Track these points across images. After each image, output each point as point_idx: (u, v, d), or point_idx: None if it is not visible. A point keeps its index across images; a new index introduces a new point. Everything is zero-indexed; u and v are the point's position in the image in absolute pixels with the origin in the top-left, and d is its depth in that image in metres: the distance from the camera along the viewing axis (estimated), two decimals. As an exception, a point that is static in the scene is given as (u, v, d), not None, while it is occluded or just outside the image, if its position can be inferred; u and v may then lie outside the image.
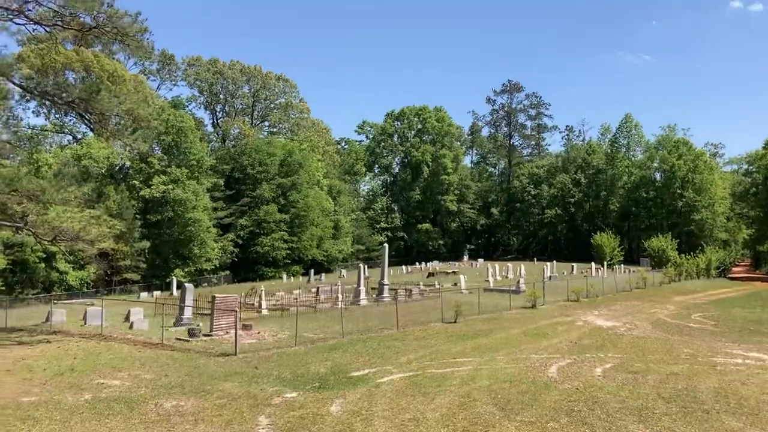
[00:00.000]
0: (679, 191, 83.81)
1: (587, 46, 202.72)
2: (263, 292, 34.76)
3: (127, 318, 25.84)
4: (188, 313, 24.47)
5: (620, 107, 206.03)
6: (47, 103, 66.10)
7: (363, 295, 33.97)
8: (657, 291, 47.06)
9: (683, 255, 64.77)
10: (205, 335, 21.51)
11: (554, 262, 68.94)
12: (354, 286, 37.31)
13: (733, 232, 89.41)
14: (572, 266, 65.15)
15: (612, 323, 26.78)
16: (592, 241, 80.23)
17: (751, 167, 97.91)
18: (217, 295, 23.05)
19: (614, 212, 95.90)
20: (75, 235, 20.79)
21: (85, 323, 25.05)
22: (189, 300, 24.52)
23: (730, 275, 73.92)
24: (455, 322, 26.19)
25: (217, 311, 21.62)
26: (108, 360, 17.41)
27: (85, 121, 65.61)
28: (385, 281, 36.00)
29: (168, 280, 57.37)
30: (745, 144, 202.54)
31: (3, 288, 46.96)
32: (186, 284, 25.73)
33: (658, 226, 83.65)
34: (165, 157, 62.00)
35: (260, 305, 31.52)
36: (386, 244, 38.09)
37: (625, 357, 18.21)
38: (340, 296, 33.85)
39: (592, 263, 64.38)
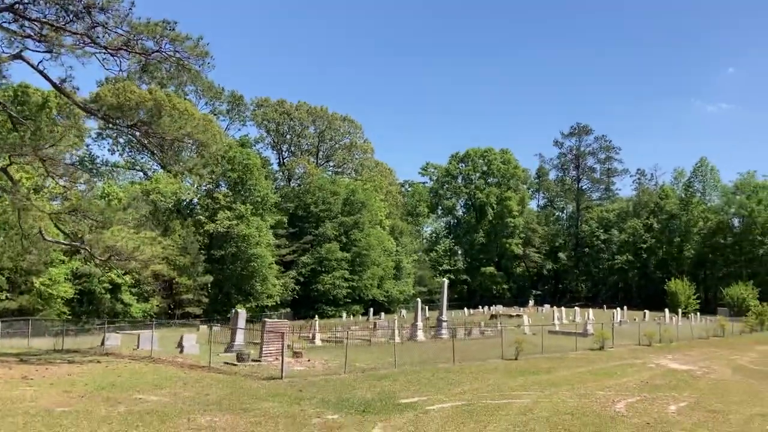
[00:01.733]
0: (759, 238, 79.27)
1: (661, 92, 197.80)
2: (317, 322, 34.14)
3: (179, 344, 25.63)
4: (240, 339, 24.05)
5: (694, 155, 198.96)
6: (121, 141, 69.32)
7: (420, 331, 32.86)
8: (736, 339, 43.87)
9: (765, 304, 60.63)
10: (254, 360, 20.94)
11: (625, 308, 65.94)
12: (412, 323, 36.26)
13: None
14: (644, 313, 61.95)
15: (687, 367, 24.75)
16: (665, 288, 76.50)
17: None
18: (267, 320, 22.56)
19: (689, 259, 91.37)
20: (129, 255, 20.84)
21: (137, 347, 24.98)
22: (241, 325, 24.11)
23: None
24: (516, 359, 24.76)
25: (266, 337, 21.09)
26: (152, 379, 17.01)
27: (156, 158, 67.87)
28: (444, 318, 34.82)
29: (229, 315, 57.62)
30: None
31: (70, 317, 48.13)
32: (239, 310, 25.39)
33: (736, 274, 79.09)
34: (230, 194, 63.12)
35: (314, 336, 30.87)
36: (446, 279, 37.04)
37: (701, 397, 16.52)
38: (396, 331, 32.85)
39: (666, 311, 61.04)
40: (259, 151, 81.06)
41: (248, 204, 63.02)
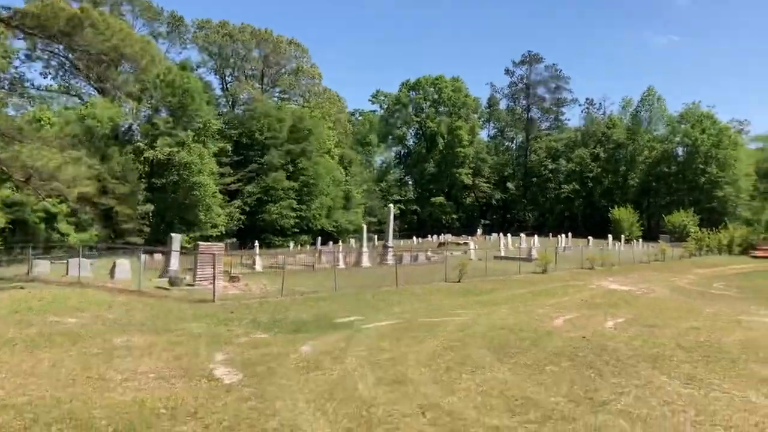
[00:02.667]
0: (701, 167, 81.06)
1: (613, 23, 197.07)
2: (257, 247, 33.32)
3: (112, 270, 24.54)
4: (174, 264, 23.10)
5: (643, 85, 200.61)
6: (53, 64, 65.41)
7: (365, 258, 32.39)
8: (676, 263, 45.16)
9: (705, 230, 62.55)
10: (188, 285, 20.13)
11: (570, 235, 67.14)
12: (357, 249, 35.81)
13: (757, 212, 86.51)
14: (588, 239, 63.10)
15: (627, 288, 25.08)
16: (609, 216, 78.14)
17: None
18: (201, 243, 21.65)
19: (633, 188, 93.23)
20: (50, 175, 19.39)
21: (66, 274, 23.80)
22: (175, 249, 23.11)
23: (753, 254, 71.53)
24: (459, 281, 24.59)
25: (200, 260, 20.21)
26: (74, 303, 16.03)
27: (91, 82, 64.43)
28: (390, 244, 34.42)
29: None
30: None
31: (2, 247, 46.07)
32: (173, 234, 24.33)
33: (679, 202, 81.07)
34: (171, 120, 60.51)
35: (255, 262, 30.09)
36: (391, 206, 36.40)
37: (639, 313, 16.57)
38: (340, 256, 32.32)
39: (610, 237, 62.36)
40: (201, 75, 77.59)
41: (189, 130, 60.56)
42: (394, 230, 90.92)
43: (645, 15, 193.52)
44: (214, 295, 16.81)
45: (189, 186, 60.06)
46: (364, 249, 32.95)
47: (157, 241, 60.80)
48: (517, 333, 12.46)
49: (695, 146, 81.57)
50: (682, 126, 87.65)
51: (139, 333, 11.72)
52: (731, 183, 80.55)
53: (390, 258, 33.25)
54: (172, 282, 19.86)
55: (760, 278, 35.77)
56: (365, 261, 32.01)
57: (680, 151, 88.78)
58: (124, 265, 24.05)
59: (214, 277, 16.93)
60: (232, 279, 21.36)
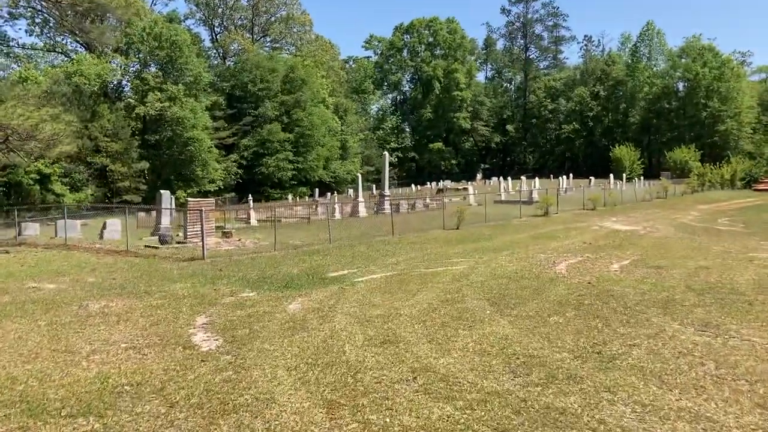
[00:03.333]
0: (703, 101, 79.41)
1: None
2: (251, 201, 32.59)
3: (102, 230, 23.90)
4: (165, 222, 22.45)
5: (642, 21, 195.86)
6: (38, 21, 63.42)
7: (362, 207, 31.73)
8: (679, 200, 44.51)
9: (707, 165, 61.60)
10: (179, 243, 19.50)
11: (571, 176, 66.31)
12: (353, 199, 35.08)
13: (759, 145, 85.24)
14: (590, 180, 62.33)
15: (631, 227, 24.44)
16: (611, 155, 77.07)
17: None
18: (191, 199, 20.92)
19: (634, 125, 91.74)
20: (28, 134, 18.53)
21: (55, 236, 23.17)
22: (165, 206, 22.39)
23: (755, 188, 70.76)
24: (458, 228, 23.96)
25: (190, 217, 19.52)
26: (57, 267, 15.44)
27: (78, 38, 62.61)
28: (386, 192, 33.64)
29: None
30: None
31: (-4, 210, 45.41)
32: (162, 191, 23.59)
33: (680, 138, 79.81)
34: (160, 74, 59.04)
35: (249, 217, 29.41)
36: (386, 153, 35.34)
37: (645, 254, 15.91)
38: (336, 207, 31.60)
39: (611, 176, 61.50)
40: (189, 27, 75.58)
41: (180, 84, 59.15)
42: (393, 178, 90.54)
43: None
44: (203, 252, 16.17)
45: (183, 141, 59.12)
46: (360, 199, 32.25)
47: (154, 199, 60.19)
48: (517, 281, 11.83)
49: (696, 80, 79.77)
50: (683, 60, 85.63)
51: (118, 297, 11.09)
52: (733, 116, 79.13)
53: (387, 207, 32.56)
54: (162, 240, 19.23)
55: (764, 212, 35.13)
56: (362, 211, 31.35)
57: (681, 86, 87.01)
58: (114, 224, 23.42)
59: (202, 233, 16.25)
60: (225, 234, 20.71)
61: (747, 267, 13.32)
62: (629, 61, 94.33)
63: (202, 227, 16.22)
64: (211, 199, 22.35)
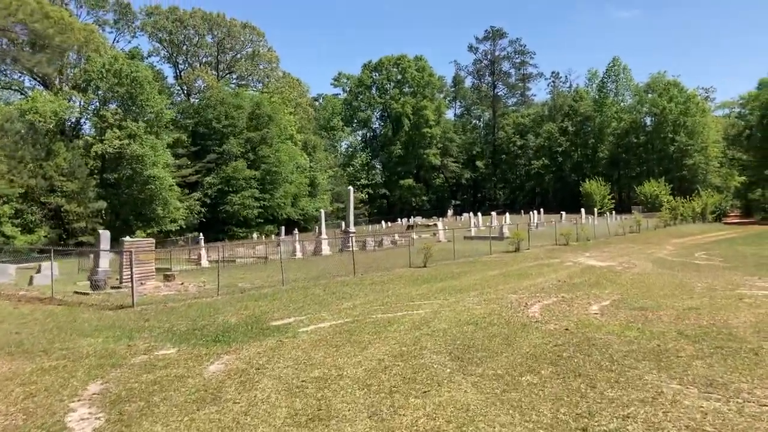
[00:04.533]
0: (670, 135, 79.95)
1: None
2: (202, 240, 30.68)
3: (35, 275, 21.87)
4: (104, 264, 20.43)
5: (607, 59, 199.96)
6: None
7: (325, 245, 29.99)
8: (652, 234, 43.69)
9: (678, 199, 61.32)
10: (113, 288, 17.60)
11: (542, 211, 65.57)
12: (316, 237, 33.38)
13: (726, 179, 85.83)
14: (561, 214, 61.48)
15: (606, 263, 23.14)
16: (581, 189, 76.73)
17: (744, 110, 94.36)
18: (126, 239, 19.09)
19: (603, 160, 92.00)
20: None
21: (-16, 281, 21.07)
22: (104, 247, 20.43)
23: (725, 221, 70.85)
24: (424, 266, 22.40)
25: (126, 260, 17.63)
26: (-38, 318, 13.45)
27: (35, 76, 60.68)
28: (351, 229, 32.00)
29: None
30: (737, 88, 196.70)
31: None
32: (101, 231, 21.68)
33: (649, 173, 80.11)
34: (120, 111, 57.20)
35: (200, 257, 27.46)
36: (351, 188, 33.72)
37: (626, 293, 14.50)
38: (297, 245, 29.83)
39: (582, 211, 60.78)
40: (153, 64, 74.05)
41: (141, 121, 57.38)
42: (363, 215, 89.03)
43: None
44: (132, 299, 14.32)
45: (143, 180, 57.04)
46: (323, 236, 30.59)
47: (113, 239, 57.62)
48: (485, 328, 10.25)
49: (663, 115, 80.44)
50: (649, 95, 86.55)
51: (8, 357, 9.24)
52: (700, 150, 79.64)
53: (352, 244, 30.90)
54: (94, 285, 17.32)
55: (739, 245, 34.35)
56: (325, 249, 29.62)
57: (648, 120, 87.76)
58: (49, 268, 21.36)
59: (131, 277, 14.42)
60: (167, 278, 18.86)
61: (738, 306, 11.95)
62: (596, 97, 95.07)
63: (131, 271, 14.41)
64: (151, 240, 20.48)
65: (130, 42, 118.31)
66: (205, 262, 26.89)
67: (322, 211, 33.34)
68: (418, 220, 73.68)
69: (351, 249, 29.74)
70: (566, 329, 9.99)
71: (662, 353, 8.13)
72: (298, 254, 28.91)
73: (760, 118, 72.76)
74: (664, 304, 12.52)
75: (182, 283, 18.53)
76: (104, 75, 56.57)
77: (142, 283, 17.30)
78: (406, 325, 10.79)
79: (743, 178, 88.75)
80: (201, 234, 65.05)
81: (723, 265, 22.47)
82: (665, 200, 62.66)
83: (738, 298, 13.21)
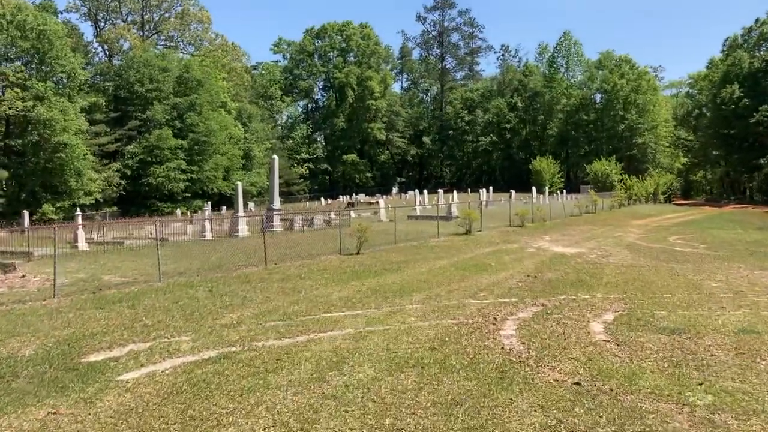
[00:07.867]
0: (621, 113, 77.43)
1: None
2: (80, 217, 25.40)
3: None
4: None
5: (557, 34, 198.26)
6: None
7: (242, 225, 25.10)
8: (609, 215, 40.57)
9: (629, 177, 58.75)
10: None
11: (491, 189, 62.08)
12: (232, 214, 28.46)
13: (673, 159, 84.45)
14: (510, 193, 57.88)
15: (575, 249, 19.29)
16: (530, 167, 73.58)
17: (692, 89, 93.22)
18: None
19: (552, 138, 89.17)
20: None
21: None
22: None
23: (675, 202, 69.24)
24: (358, 253, 18.03)
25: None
26: None
27: None
28: (276, 206, 27.20)
29: (35, 217, 47.43)
30: (685, 68, 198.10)
31: None
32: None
33: (598, 151, 77.45)
34: (24, 69, 50.47)
35: (75, 239, 22.25)
36: (275, 156, 28.61)
37: (628, 299, 10.47)
38: (207, 224, 24.95)
39: (533, 190, 57.44)
40: (69, 20, 66.68)
41: (49, 81, 50.81)
42: (303, 191, 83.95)
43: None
44: None
45: (52, 147, 50.55)
46: (240, 213, 25.76)
47: (16, 213, 51.22)
48: (438, 379, 5.92)
49: (614, 92, 77.86)
50: (600, 72, 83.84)
51: None
52: (650, 129, 77.57)
53: (277, 224, 26.27)
54: None
55: (708, 228, 31.37)
56: (242, 229, 24.76)
57: (599, 97, 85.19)
58: None
59: None
60: (4, 268, 13.91)
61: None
62: (546, 72, 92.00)
63: None
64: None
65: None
66: (83, 245, 21.69)
67: (239, 183, 28.36)
68: (361, 197, 69.31)
69: (277, 229, 25.14)
70: (577, 384, 5.74)
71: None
72: (208, 234, 24.08)
73: (713, 98, 70.83)
74: (696, 321, 8.47)
75: (23, 276, 13.62)
76: (4, 26, 49.68)
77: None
78: (303, 370, 6.37)
79: (686, 159, 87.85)
80: (118, 208, 59.13)
81: (711, 253, 18.93)
82: (616, 179, 60.03)
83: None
